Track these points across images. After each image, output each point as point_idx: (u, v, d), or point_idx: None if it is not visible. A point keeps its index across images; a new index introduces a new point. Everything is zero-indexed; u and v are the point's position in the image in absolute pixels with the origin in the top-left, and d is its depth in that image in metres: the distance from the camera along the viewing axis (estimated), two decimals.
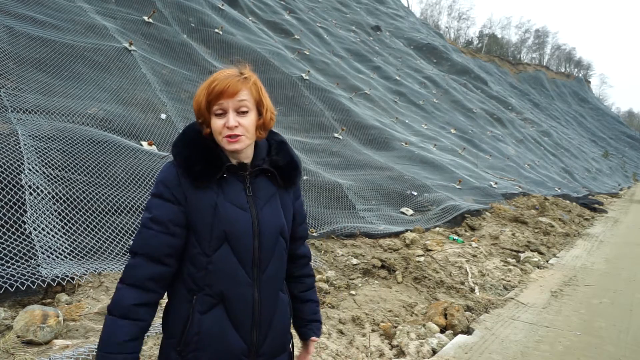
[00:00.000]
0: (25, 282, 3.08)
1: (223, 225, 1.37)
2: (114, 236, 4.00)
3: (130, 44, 7.68)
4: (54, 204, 3.85)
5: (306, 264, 1.70)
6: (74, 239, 3.73)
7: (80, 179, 4.25)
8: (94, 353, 2.66)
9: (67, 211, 3.87)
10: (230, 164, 1.42)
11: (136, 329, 1.36)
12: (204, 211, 1.37)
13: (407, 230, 7.09)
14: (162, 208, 1.38)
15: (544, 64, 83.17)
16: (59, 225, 3.74)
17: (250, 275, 1.40)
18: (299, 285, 1.68)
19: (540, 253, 7.67)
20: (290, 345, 1.60)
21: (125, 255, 3.86)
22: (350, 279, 5.00)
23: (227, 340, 1.39)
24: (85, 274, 3.48)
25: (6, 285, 3.01)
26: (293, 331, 1.63)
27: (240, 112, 1.38)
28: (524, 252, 7.46)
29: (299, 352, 1.71)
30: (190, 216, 1.38)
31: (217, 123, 1.38)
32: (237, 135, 1.37)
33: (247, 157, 1.46)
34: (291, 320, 1.63)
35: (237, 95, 1.37)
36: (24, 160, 3.99)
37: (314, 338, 1.69)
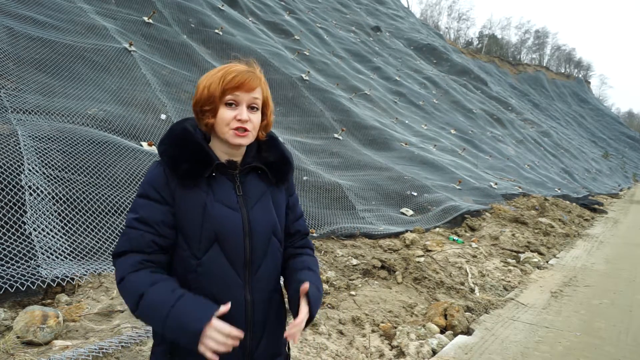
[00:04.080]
0: (25, 282, 3.08)
1: (213, 225, 1.32)
2: (114, 237, 4.00)
3: (130, 44, 7.68)
4: (54, 204, 3.85)
5: (308, 254, 1.57)
6: (73, 240, 3.73)
7: (80, 179, 4.25)
8: (94, 354, 2.66)
9: (67, 212, 3.87)
10: (219, 163, 1.37)
11: (173, 282, 1.28)
12: (193, 212, 1.33)
13: (407, 231, 7.09)
14: (148, 208, 1.32)
15: (544, 65, 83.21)
16: (59, 225, 3.74)
17: (241, 276, 1.36)
18: (295, 259, 1.53)
19: (540, 254, 7.66)
20: (287, 348, 1.56)
21: None
22: (350, 280, 5.00)
23: None
24: (85, 275, 3.48)
25: (6, 286, 3.01)
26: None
27: (251, 109, 1.36)
28: (523, 252, 7.46)
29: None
30: (179, 217, 1.33)
31: (228, 113, 1.33)
32: (246, 130, 1.34)
33: (240, 155, 1.43)
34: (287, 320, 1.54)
35: (254, 92, 1.35)
36: (23, 161, 3.99)
37: (305, 285, 1.36)
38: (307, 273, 1.48)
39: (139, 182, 4.58)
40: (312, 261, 1.56)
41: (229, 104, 1.34)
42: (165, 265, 1.35)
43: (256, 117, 1.37)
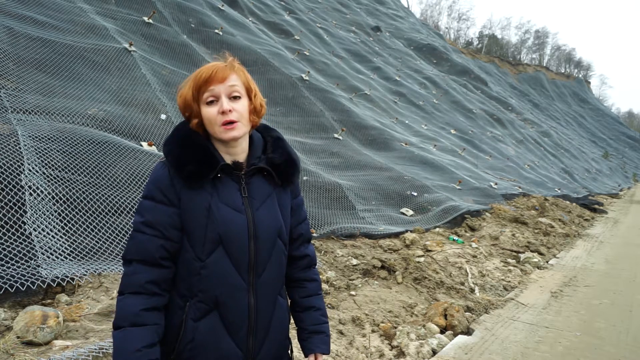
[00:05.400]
0: (25, 282, 3.08)
1: (217, 227, 1.31)
2: (114, 237, 4.00)
3: (130, 44, 7.68)
4: (54, 204, 3.85)
5: (307, 266, 1.57)
6: (74, 240, 3.73)
7: (80, 179, 4.25)
8: (94, 354, 2.66)
9: (67, 212, 3.87)
10: (224, 164, 1.35)
11: (152, 333, 1.27)
12: (197, 213, 1.31)
13: (407, 231, 7.09)
14: (154, 211, 1.31)
15: (544, 65, 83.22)
16: (59, 225, 3.74)
17: (245, 279, 1.34)
18: (300, 290, 1.56)
19: (540, 254, 7.66)
20: (289, 351, 1.54)
21: None
22: (350, 280, 5.00)
23: (222, 348, 1.33)
24: (85, 275, 3.48)
25: (6, 286, 3.01)
26: (291, 335, 1.56)
27: (233, 98, 1.33)
28: (523, 252, 7.46)
29: None
30: (183, 218, 1.32)
31: (209, 111, 1.32)
32: (233, 122, 1.32)
33: (243, 152, 1.40)
34: (291, 327, 1.54)
35: (228, 80, 1.32)
36: (24, 161, 3.99)
37: (318, 355, 1.52)
38: (316, 322, 1.56)
39: (140, 182, 4.60)
40: (317, 294, 1.59)
41: (209, 102, 1.33)
42: (170, 278, 1.35)
43: (241, 104, 1.34)
